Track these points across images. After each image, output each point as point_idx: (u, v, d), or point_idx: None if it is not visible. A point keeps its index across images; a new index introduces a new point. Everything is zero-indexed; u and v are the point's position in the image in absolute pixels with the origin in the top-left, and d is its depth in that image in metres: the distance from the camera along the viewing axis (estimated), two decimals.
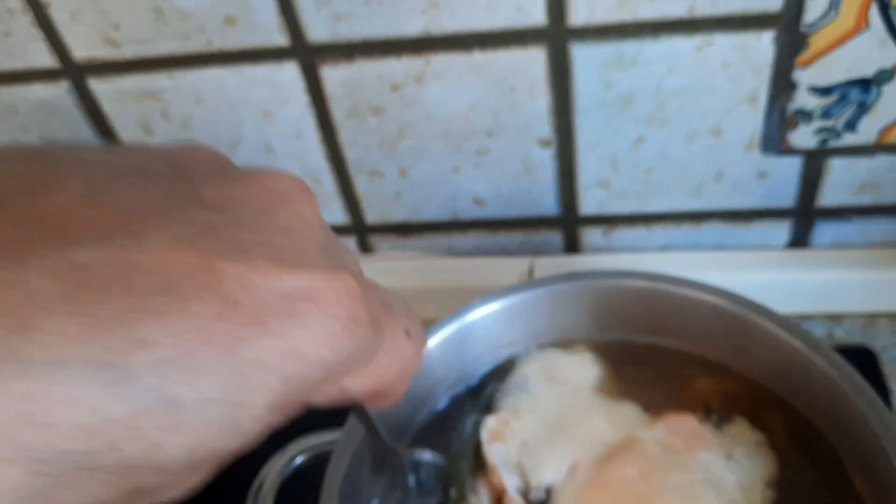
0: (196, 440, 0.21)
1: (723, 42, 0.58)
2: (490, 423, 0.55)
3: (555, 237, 0.74)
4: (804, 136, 0.62)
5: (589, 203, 0.71)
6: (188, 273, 0.20)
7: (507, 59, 0.62)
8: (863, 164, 0.64)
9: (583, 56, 0.61)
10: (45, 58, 0.66)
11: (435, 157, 0.69)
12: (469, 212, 0.73)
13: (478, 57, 0.62)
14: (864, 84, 0.58)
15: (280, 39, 0.63)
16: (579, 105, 0.63)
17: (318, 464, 0.54)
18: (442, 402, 0.59)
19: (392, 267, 0.79)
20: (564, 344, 0.60)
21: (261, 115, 0.68)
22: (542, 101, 0.63)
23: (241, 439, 0.23)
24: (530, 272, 0.74)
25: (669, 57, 0.60)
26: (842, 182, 0.65)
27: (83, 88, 0.68)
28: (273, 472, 0.56)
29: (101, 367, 0.19)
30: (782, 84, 0.59)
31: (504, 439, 0.54)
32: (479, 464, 0.54)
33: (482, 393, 0.59)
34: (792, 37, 0.57)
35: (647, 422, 0.54)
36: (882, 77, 0.58)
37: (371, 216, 0.76)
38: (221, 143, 0.71)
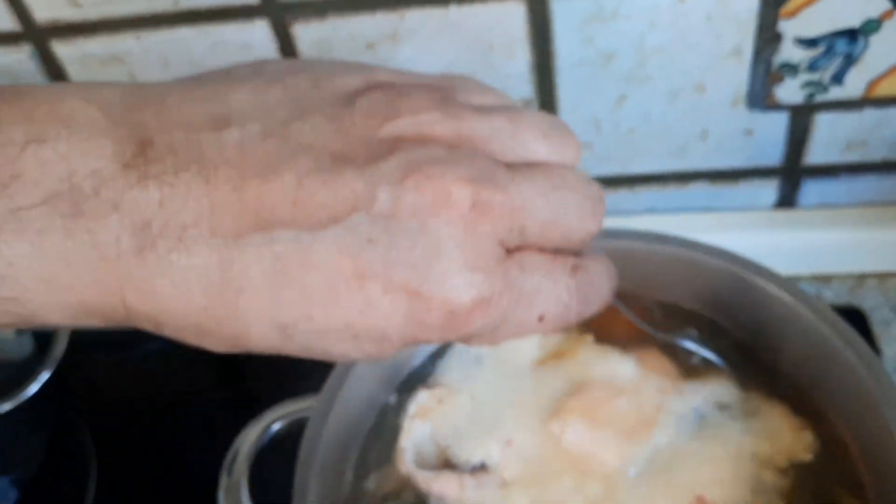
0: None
1: None
2: (421, 398, 0.53)
3: None
4: (790, 91, 0.61)
5: None
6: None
7: (484, 15, 0.60)
8: (850, 120, 0.62)
9: (562, 10, 0.59)
10: (4, 21, 0.63)
11: None
12: None
13: (454, 13, 0.60)
14: (851, 34, 0.56)
15: None
16: (560, 63, 0.61)
17: (295, 431, 0.53)
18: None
19: None
20: None
21: None
22: (521, 59, 0.62)
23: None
24: None
25: (650, 10, 0.58)
26: (829, 139, 0.64)
27: (46, 52, 0.65)
28: (248, 441, 0.54)
29: None
30: (767, 36, 0.58)
31: (431, 419, 0.52)
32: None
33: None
34: None
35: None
36: (869, 27, 0.56)
37: None
38: None
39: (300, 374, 0.60)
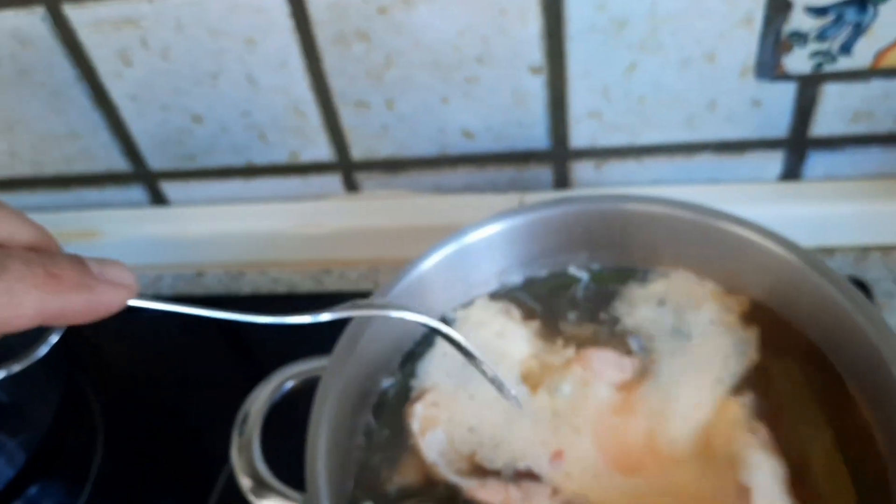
0: None
1: None
2: (418, 412, 0.53)
3: (545, 173, 0.73)
4: (799, 60, 0.61)
5: (580, 135, 0.69)
6: None
7: None
8: (857, 91, 0.63)
9: None
10: None
11: (423, 87, 0.67)
12: (458, 146, 0.72)
13: None
14: (861, 3, 0.57)
15: None
16: (571, 29, 0.62)
17: (307, 391, 0.54)
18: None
19: (379, 206, 0.77)
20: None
21: (243, 43, 0.66)
22: (533, 25, 0.62)
23: None
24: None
25: None
26: (836, 110, 0.64)
27: (58, 15, 0.65)
28: (259, 400, 0.55)
29: None
30: (778, 4, 0.58)
31: (440, 426, 0.52)
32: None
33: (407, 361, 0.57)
34: None
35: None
36: None
37: (357, 152, 0.74)
38: (201, 75, 0.69)
39: (312, 336, 0.60)
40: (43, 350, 0.64)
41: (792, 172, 0.70)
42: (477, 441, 0.51)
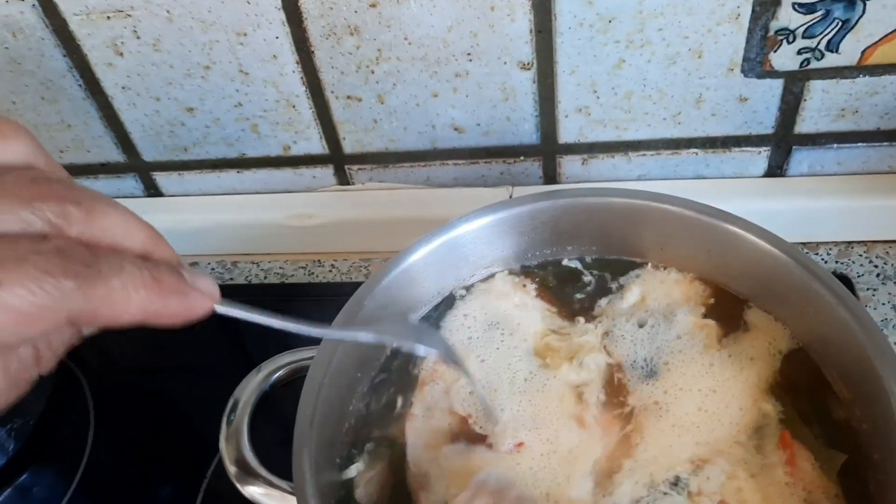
0: None
1: None
2: (426, 364, 0.55)
3: (534, 167, 0.74)
4: (786, 57, 0.62)
5: (568, 131, 0.70)
6: None
7: None
8: (843, 88, 0.63)
9: None
10: None
11: (413, 81, 0.68)
12: (448, 140, 0.72)
13: None
14: (849, 0, 0.57)
15: None
16: (560, 25, 0.62)
17: (296, 381, 0.54)
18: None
19: (370, 198, 0.78)
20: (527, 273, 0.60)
21: (234, 35, 0.66)
22: (522, 20, 0.62)
23: None
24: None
25: None
26: (821, 106, 0.65)
27: (49, 4, 0.65)
28: (248, 389, 0.55)
29: None
30: (765, 0, 0.59)
31: (443, 378, 0.55)
32: None
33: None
34: None
35: None
36: None
37: (349, 145, 0.74)
38: (193, 66, 0.69)
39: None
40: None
41: (777, 168, 0.71)
42: (474, 405, 0.53)
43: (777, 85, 0.64)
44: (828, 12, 0.58)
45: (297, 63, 0.67)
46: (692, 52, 0.63)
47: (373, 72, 0.68)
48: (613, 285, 0.58)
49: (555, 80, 0.66)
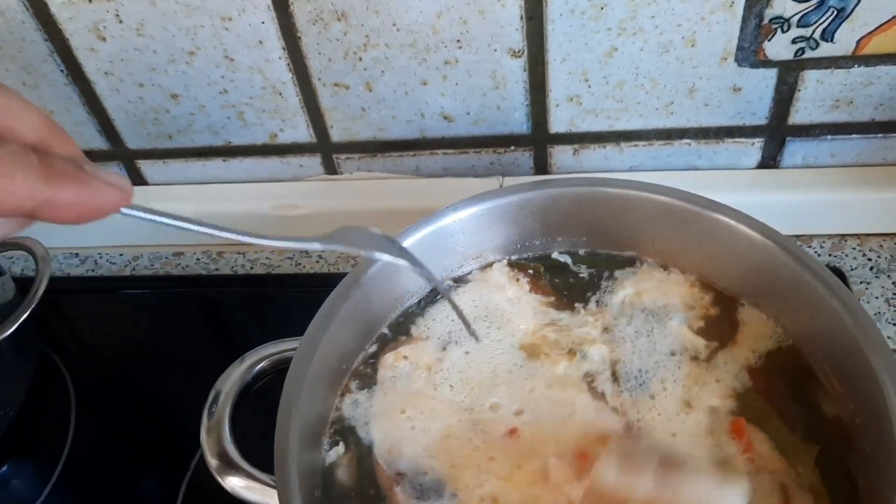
0: None
1: None
2: (388, 361, 0.54)
3: (524, 157, 0.73)
4: (780, 47, 0.61)
5: (559, 120, 0.69)
6: None
7: None
8: (838, 78, 0.62)
9: None
10: None
11: (401, 69, 0.66)
12: (437, 129, 0.71)
13: None
14: None
15: None
16: (551, 12, 0.61)
17: (279, 373, 0.53)
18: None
19: (358, 188, 0.76)
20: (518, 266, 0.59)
21: (219, 20, 0.65)
22: (512, 7, 0.61)
23: None
24: None
25: None
26: (816, 97, 0.64)
27: None
28: (230, 381, 0.54)
29: None
30: None
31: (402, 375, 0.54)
32: None
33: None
34: None
35: None
36: None
37: (336, 133, 0.73)
38: (177, 51, 0.67)
39: (283, 319, 0.60)
40: (10, 328, 0.63)
41: (771, 160, 0.70)
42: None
43: (771, 75, 0.63)
44: (823, 1, 0.57)
45: (284, 49, 0.66)
46: (685, 40, 0.62)
47: (360, 59, 0.66)
48: (608, 281, 0.57)
49: (546, 68, 0.65)
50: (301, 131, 0.73)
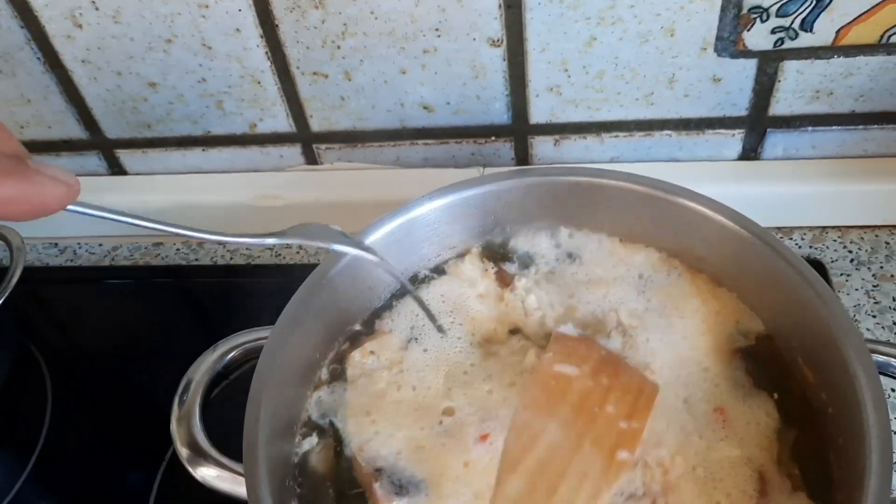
0: None
1: None
2: (355, 359, 0.54)
3: (505, 148, 0.72)
4: (759, 37, 0.60)
5: (540, 110, 0.68)
6: None
7: None
8: (818, 69, 0.62)
9: None
10: None
11: (380, 58, 0.66)
12: (417, 119, 0.71)
13: None
14: None
15: None
16: (530, 0, 0.61)
17: (250, 363, 0.53)
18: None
19: (338, 178, 0.76)
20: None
21: (196, 7, 0.64)
22: None
23: None
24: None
25: None
26: (796, 88, 0.64)
27: None
28: (201, 370, 0.54)
29: None
30: None
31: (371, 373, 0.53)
32: None
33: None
34: None
35: None
36: None
37: (316, 123, 0.73)
38: (154, 39, 0.67)
39: (263, 309, 0.59)
40: None
41: (752, 151, 0.69)
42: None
43: (751, 65, 0.63)
44: None
45: (262, 37, 0.66)
46: (664, 30, 0.61)
47: (339, 47, 0.66)
48: (576, 265, 0.57)
49: (525, 57, 0.64)
50: (280, 121, 0.73)
